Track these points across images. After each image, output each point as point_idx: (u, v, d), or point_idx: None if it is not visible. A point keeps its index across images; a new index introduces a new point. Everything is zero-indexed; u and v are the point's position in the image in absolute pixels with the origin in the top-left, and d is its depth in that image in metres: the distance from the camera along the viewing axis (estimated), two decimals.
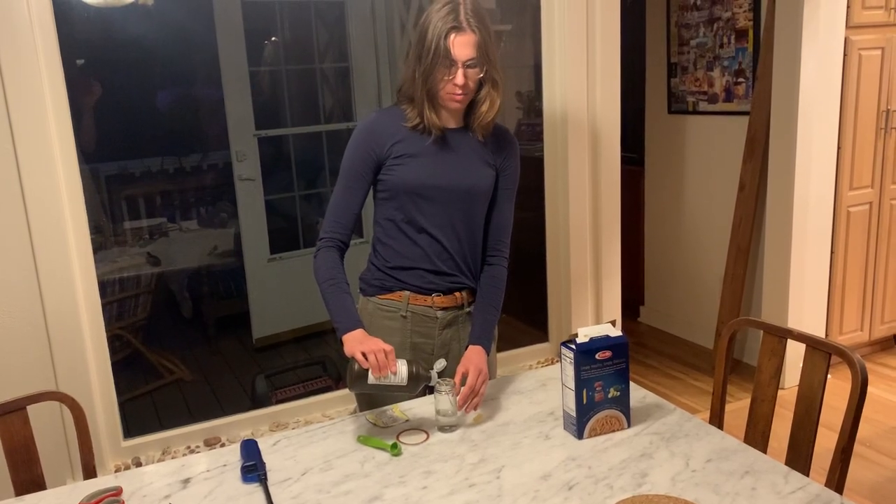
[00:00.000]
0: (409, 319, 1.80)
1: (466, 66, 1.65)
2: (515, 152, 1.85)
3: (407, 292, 1.78)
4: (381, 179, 1.75)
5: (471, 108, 1.75)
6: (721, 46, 3.66)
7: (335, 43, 3.89)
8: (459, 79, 1.65)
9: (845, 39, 3.26)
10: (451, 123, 1.77)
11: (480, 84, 1.71)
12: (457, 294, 1.82)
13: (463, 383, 1.65)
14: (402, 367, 1.57)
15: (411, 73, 1.70)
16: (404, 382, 1.57)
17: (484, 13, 1.67)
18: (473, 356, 1.72)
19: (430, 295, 1.79)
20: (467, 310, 1.84)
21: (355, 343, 1.58)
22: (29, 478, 1.59)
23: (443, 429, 1.60)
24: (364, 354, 1.54)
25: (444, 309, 1.81)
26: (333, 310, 1.67)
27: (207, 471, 1.48)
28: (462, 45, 1.63)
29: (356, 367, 1.54)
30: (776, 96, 3.30)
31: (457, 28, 1.63)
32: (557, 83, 2.79)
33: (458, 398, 1.62)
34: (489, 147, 1.80)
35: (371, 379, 1.55)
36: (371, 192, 1.79)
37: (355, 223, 1.76)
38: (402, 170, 1.72)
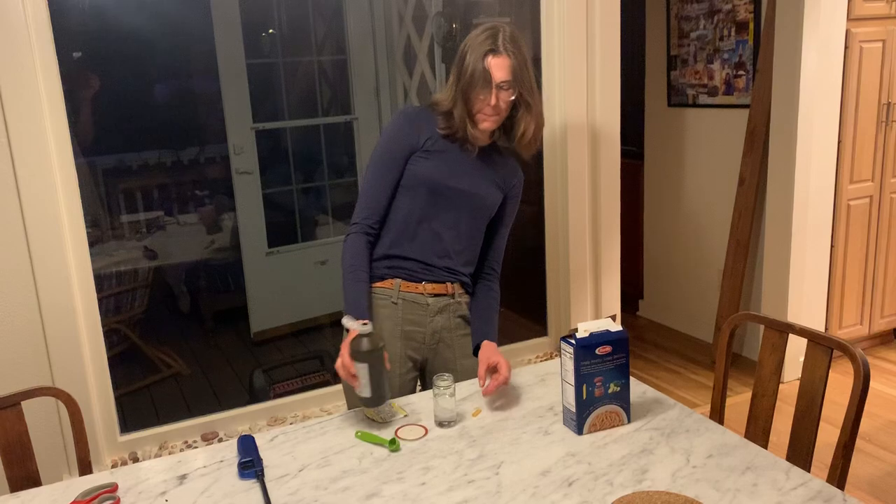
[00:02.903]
0: (401, 307, 1.82)
1: (500, 87, 1.71)
2: (521, 184, 1.94)
3: (399, 280, 1.82)
4: (405, 169, 1.80)
5: (508, 129, 1.83)
6: (721, 39, 3.64)
7: (333, 35, 3.87)
8: (493, 99, 1.72)
9: (846, 32, 3.24)
10: (484, 141, 1.84)
11: (516, 107, 1.78)
12: (447, 284, 1.85)
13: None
14: (362, 372, 1.56)
15: (450, 92, 1.78)
16: (367, 393, 1.56)
17: (521, 41, 1.75)
18: (495, 351, 1.77)
19: (421, 282, 1.83)
20: (458, 299, 1.88)
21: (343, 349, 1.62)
22: (24, 474, 1.58)
23: (441, 424, 1.59)
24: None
25: (435, 296, 1.84)
26: (346, 300, 1.73)
27: (204, 467, 1.47)
28: (497, 67, 1.71)
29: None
30: (776, 89, 3.28)
31: (494, 51, 1.71)
32: (557, 76, 2.77)
33: (487, 386, 1.67)
34: (501, 172, 1.88)
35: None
36: None
37: (387, 209, 1.81)
38: (426, 164, 1.78)
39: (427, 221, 1.80)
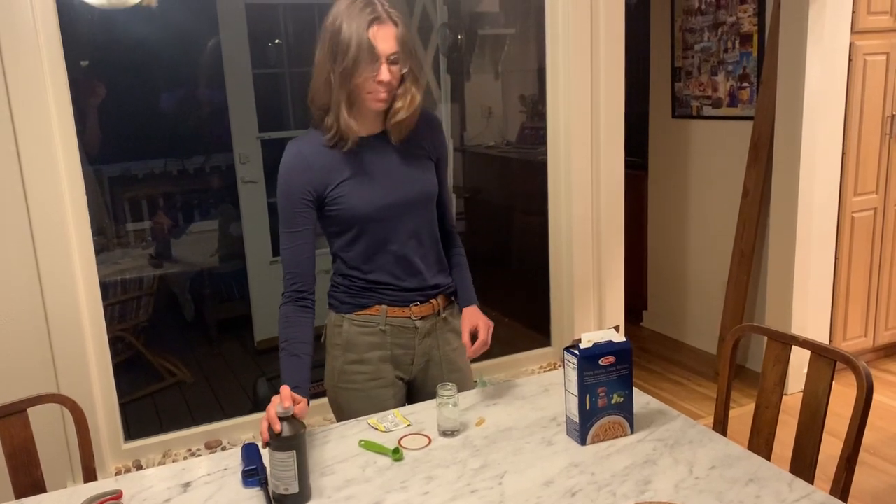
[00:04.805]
0: (389, 333, 1.74)
1: (390, 61, 1.55)
2: (441, 130, 1.79)
3: (384, 306, 1.73)
4: (328, 216, 1.66)
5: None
6: (726, 51, 3.65)
7: None
8: (384, 75, 1.54)
9: (850, 45, 3.25)
10: (376, 129, 1.67)
11: (402, 80, 1.60)
12: (433, 301, 1.78)
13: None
14: (288, 463, 1.33)
15: (325, 77, 1.57)
16: (295, 488, 1.33)
17: (397, 8, 1.59)
18: (476, 314, 1.78)
19: (409, 305, 1.74)
20: (444, 314, 1.81)
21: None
22: (29, 480, 1.58)
23: (444, 434, 1.59)
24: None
25: (423, 318, 1.76)
26: (282, 377, 1.59)
27: (208, 475, 1.47)
28: (385, 39, 1.53)
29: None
30: (781, 101, 3.29)
31: (378, 20, 1.53)
32: (561, 87, 2.78)
33: (470, 351, 1.70)
34: (421, 139, 1.72)
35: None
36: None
37: (313, 265, 1.66)
38: (347, 199, 1.63)
39: (385, 249, 1.68)
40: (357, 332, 1.74)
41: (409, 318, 1.75)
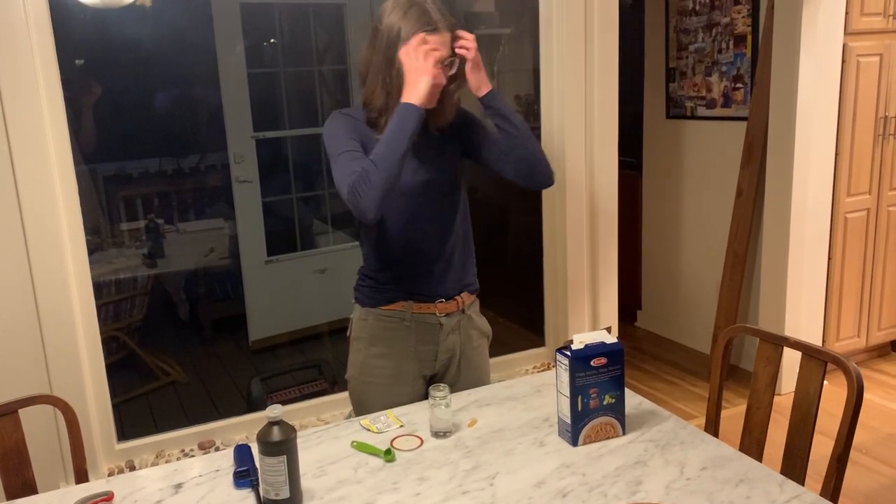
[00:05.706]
0: (414, 329, 1.78)
1: (443, 65, 1.64)
2: (465, 111, 1.84)
3: (410, 301, 1.77)
4: None
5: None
6: (720, 52, 3.66)
7: (334, 45, 3.89)
8: (441, 79, 1.63)
9: (843, 46, 3.26)
10: None
11: (451, 78, 1.69)
12: (457, 299, 1.82)
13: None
14: (279, 468, 1.32)
15: (380, 82, 1.65)
16: (286, 493, 1.33)
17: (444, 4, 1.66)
18: None
19: (434, 302, 1.78)
20: (469, 312, 1.85)
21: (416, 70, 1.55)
22: (20, 482, 1.58)
23: (437, 434, 1.59)
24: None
25: (448, 315, 1.81)
26: (393, 127, 1.56)
27: (200, 476, 1.47)
28: (440, 45, 1.62)
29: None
30: (774, 102, 3.30)
31: (436, 30, 1.61)
32: (555, 87, 2.78)
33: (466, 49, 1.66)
34: (450, 129, 1.80)
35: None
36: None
37: None
38: None
39: (415, 224, 1.72)
40: (382, 327, 1.78)
41: (434, 314, 1.78)
